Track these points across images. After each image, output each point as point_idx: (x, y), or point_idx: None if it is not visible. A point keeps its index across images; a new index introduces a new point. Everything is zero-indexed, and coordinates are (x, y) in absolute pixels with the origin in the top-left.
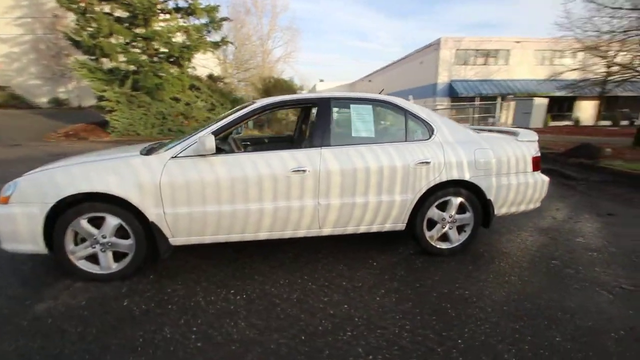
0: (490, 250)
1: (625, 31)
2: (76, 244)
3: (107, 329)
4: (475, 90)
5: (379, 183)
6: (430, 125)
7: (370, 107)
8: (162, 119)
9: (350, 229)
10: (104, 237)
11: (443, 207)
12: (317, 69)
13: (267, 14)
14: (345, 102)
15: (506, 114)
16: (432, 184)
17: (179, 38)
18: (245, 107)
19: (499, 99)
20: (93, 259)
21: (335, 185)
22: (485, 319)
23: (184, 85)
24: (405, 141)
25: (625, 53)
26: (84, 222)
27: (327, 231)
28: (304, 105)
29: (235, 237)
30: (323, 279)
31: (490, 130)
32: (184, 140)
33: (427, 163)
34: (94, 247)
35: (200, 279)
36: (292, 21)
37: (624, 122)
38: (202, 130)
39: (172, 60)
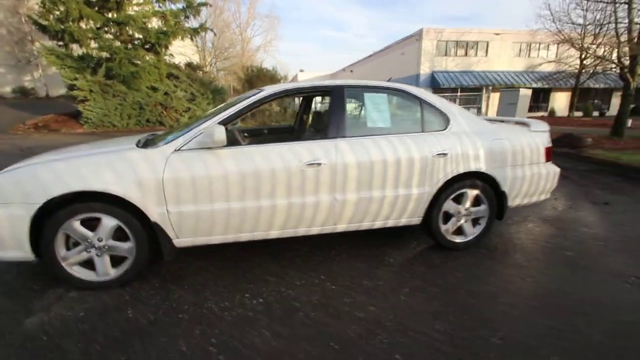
0: (502, 242)
1: (600, 24)
2: (68, 248)
3: (113, 344)
4: (457, 81)
5: (396, 176)
6: (446, 115)
7: (385, 95)
8: (139, 109)
9: (365, 225)
10: (100, 240)
11: (458, 199)
12: (294, 59)
13: (245, 1)
14: (359, 91)
15: (485, 105)
16: (449, 177)
17: (155, 24)
18: (252, 95)
19: (484, 90)
20: (88, 264)
21: (351, 179)
22: (518, 316)
23: (162, 73)
24: (422, 132)
25: (596, 46)
26: (76, 224)
27: (341, 227)
28: (316, 93)
29: (245, 236)
30: (341, 278)
31: (501, 121)
32: (185, 132)
33: (445, 154)
34: (89, 252)
35: (208, 282)
36: (272, 9)
37: (595, 113)
38: (204, 121)
39: (148, 47)
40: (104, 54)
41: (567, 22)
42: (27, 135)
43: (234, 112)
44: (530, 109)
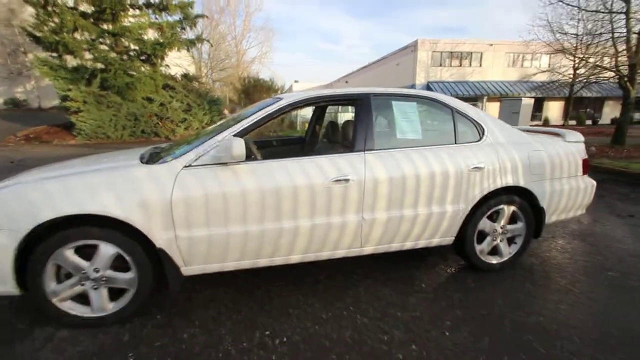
0: (538, 262)
1: (597, 34)
2: (59, 280)
3: None
4: (452, 91)
5: (429, 192)
6: (480, 125)
7: (414, 104)
8: (134, 120)
9: (395, 246)
10: (96, 270)
11: (493, 217)
12: (288, 70)
13: (241, 13)
14: (387, 99)
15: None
16: (485, 192)
17: (151, 35)
18: (270, 104)
19: (484, 99)
20: (82, 298)
21: (382, 196)
22: (579, 352)
23: (158, 84)
24: (455, 143)
25: (590, 56)
26: (69, 253)
27: (369, 250)
28: (340, 102)
29: (263, 262)
30: (372, 309)
31: (534, 131)
32: (197, 145)
33: (481, 168)
34: (84, 284)
35: (221, 316)
36: (266, 22)
37: (588, 122)
38: (217, 132)
39: (144, 58)
40: (99, 65)
41: (561, 32)
42: (18, 147)
43: (251, 122)
44: (532, 118)
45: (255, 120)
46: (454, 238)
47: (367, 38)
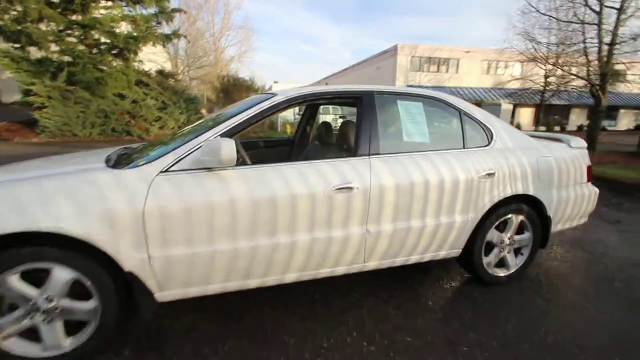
0: (542, 273)
1: (569, 44)
2: (1, 313)
3: None
4: None
5: (438, 201)
6: (489, 129)
7: (420, 104)
8: (104, 118)
9: (399, 261)
10: (49, 300)
11: (501, 227)
12: (268, 71)
13: (220, 11)
14: (391, 98)
15: None
16: (495, 201)
17: (124, 28)
18: (262, 101)
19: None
20: (31, 333)
21: (388, 205)
22: None
23: (130, 80)
24: (464, 148)
25: (560, 65)
26: (13, 280)
27: (372, 265)
28: (340, 100)
29: (254, 282)
30: (378, 334)
31: (536, 137)
32: (177, 147)
33: (492, 175)
34: (32, 318)
35: (203, 349)
36: (246, 20)
37: (557, 128)
38: (200, 132)
39: (115, 52)
40: (66, 58)
41: (534, 41)
42: None
43: (241, 120)
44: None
45: (246, 117)
46: (461, 250)
47: (347, 43)
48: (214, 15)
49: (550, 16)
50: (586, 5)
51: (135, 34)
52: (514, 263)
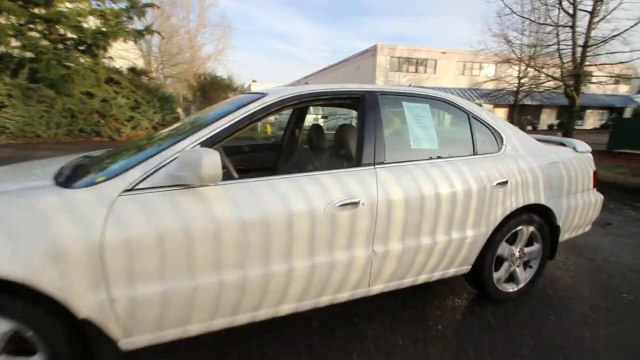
0: (549, 284)
1: (544, 45)
2: None
3: None
4: None
5: (449, 215)
6: (499, 133)
7: (427, 106)
8: (70, 118)
9: (407, 282)
10: None
11: (511, 239)
12: (247, 70)
13: (195, 7)
14: (396, 99)
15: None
16: (508, 212)
17: (92, 23)
18: (251, 101)
19: None
20: None
21: (397, 222)
22: None
23: (99, 78)
24: (474, 154)
25: (534, 66)
26: None
27: (377, 289)
28: (340, 100)
29: (243, 318)
30: None
31: (540, 140)
32: (145, 158)
33: (505, 184)
34: None
35: None
36: (223, 19)
37: (529, 127)
38: (176, 140)
39: (83, 48)
40: (28, 54)
41: (509, 43)
42: None
43: (226, 126)
44: None
45: (233, 122)
46: (470, 266)
47: (325, 42)
48: (189, 11)
49: (527, 18)
50: (560, 7)
51: (104, 29)
52: (524, 277)
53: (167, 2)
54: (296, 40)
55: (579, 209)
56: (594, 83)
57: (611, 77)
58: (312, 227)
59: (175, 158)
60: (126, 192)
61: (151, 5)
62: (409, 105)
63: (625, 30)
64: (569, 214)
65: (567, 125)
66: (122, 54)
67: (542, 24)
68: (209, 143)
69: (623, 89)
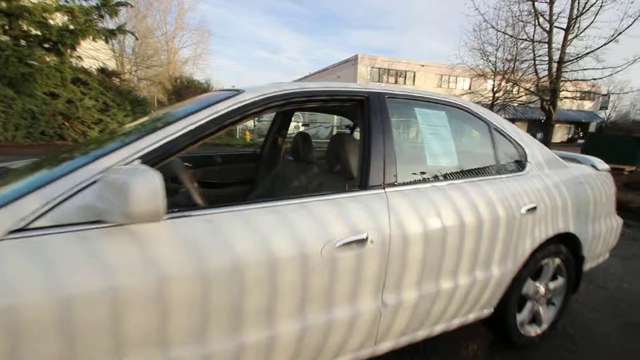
0: (567, 322)
1: (521, 60)
2: None
3: None
4: None
5: (474, 250)
6: (522, 148)
7: (444, 113)
8: (30, 119)
9: (421, 334)
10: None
11: (536, 275)
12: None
13: (172, 10)
14: (406, 103)
15: None
16: (537, 244)
17: (59, 20)
18: (219, 100)
19: None
20: None
21: (414, 262)
22: None
23: (65, 77)
24: (498, 174)
25: (509, 80)
26: None
27: (386, 346)
28: (339, 103)
29: None
30: None
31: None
32: (51, 180)
33: (533, 210)
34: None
35: None
36: (202, 23)
37: None
38: (106, 150)
39: (48, 46)
40: None
41: (486, 57)
42: None
43: (181, 132)
44: None
45: (192, 127)
46: (493, 309)
47: (305, 51)
48: (166, 13)
49: (505, 33)
50: (538, 24)
51: (71, 27)
52: (547, 317)
53: (143, 3)
54: (276, 47)
55: (603, 235)
56: (568, 98)
57: (585, 92)
58: (304, 278)
59: (96, 181)
60: (14, 233)
61: (125, 4)
62: (423, 112)
63: (597, 48)
64: (593, 242)
65: (545, 139)
66: (93, 54)
67: (520, 39)
68: (155, 157)
69: (588, 104)
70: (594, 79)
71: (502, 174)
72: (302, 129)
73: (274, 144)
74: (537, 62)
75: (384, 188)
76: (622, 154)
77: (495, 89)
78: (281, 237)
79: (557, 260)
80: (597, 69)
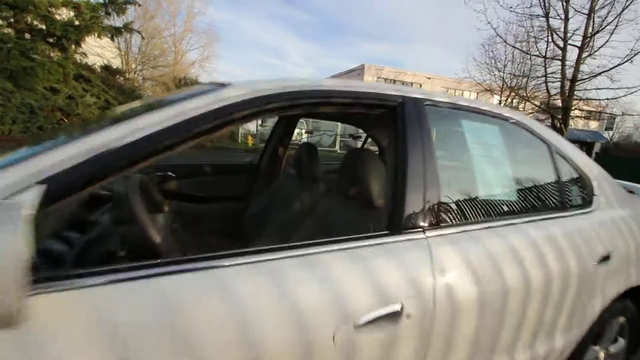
0: None
1: (533, 77)
2: None
3: None
4: None
5: (538, 316)
6: (588, 177)
7: (497, 129)
8: (29, 114)
9: None
10: None
11: (597, 337)
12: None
13: (182, 12)
14: (451, 114)
15: None
16: (607, 302)
17: (65, 15)
18: (198, 95)
19: None
20: None
21: (463, 339)
22: None
23: (67, 73)
24: (562, 210)
25: (515, 96)
26: None
27: None
28: (365, 108)
29: None
30: None
31: None
32: None
33: (607, 259)
34: None
35: None
36: (210, 26)
37: None
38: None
39: (52, 40)
40: None
41: (496, 72)
42: None
43: (117, 145)
44: None
45: (141, 135)
46: None
47: (310, 59)
48: (175, 14)
49: (518, 49)
50: (552, 41)
51: (77, 23)
52: None
53: (152, 3)
54: (282, 54)
55: None
56: (579, 117)
57: (598, 112)
58: None
59: None
60: None
61: (132, 3)
62: (471, 126)
63: (612, 68)
64: None
65: None
66: (98, 51)
67: (532, 55)
68: (68, 183)
69: (594, 124)
70: (608, 99)
71: (567, 211)
72: (304, 137)
73: (274, 155)
74: (548, 79)
75: (424, 231)
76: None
77: (502, 105)
78: (264, 322)
79: (621, 319)
80: (611, 88)
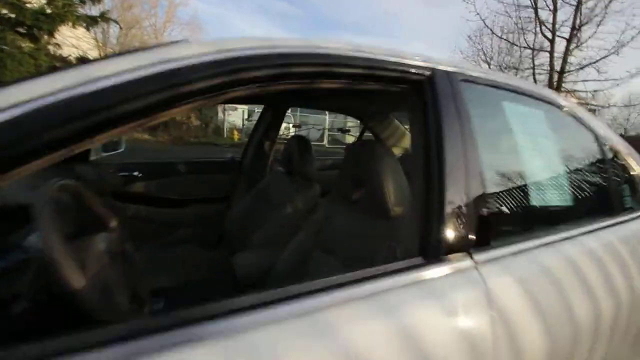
0: None
1: (520, 69)
2: None
3: None
4: None
5: (605, 352)
6: (634, 169)
7: (542, 115)
8: None
9: None
10: None
11: None
12: None
13: (163, 3)
14: (489, 93)
15: None
16: None
17: (36, 3)
18: (116, 57)
19: None
20: None
21: None
22: None
23: (40, 65)
24: (617, 215)
25: None
26: None
27: None
28: (383, 83)
29: None
30: None
31: None
32: None
33: None
34: None
35: None
36: (194, 19)
37: None
38: None
39: (22, 30)
40: None
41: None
42: None
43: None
44: None
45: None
46: None
47: None
48: (156, 4)
49: (506, 40)
50: (540, 32)
51: (48, 11)
52: None
53: None
54: None
55: None
56: None
57: (585, 104)
58: None
59: None
60: None
61: None
62: (515, 110)
63: (598, 60)
64: None
65: None
66: (74, 43)
67: (520, 46)
68: None
69: None
70: (595, 91)
71: (621, 215)
72: (292, 130)
73: (259, 151)
74: (536, 71)
75: (471, 256)
76: None
77: None
78: None
79: None
80: (598, 80)
